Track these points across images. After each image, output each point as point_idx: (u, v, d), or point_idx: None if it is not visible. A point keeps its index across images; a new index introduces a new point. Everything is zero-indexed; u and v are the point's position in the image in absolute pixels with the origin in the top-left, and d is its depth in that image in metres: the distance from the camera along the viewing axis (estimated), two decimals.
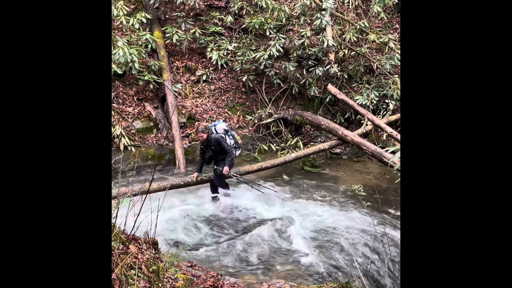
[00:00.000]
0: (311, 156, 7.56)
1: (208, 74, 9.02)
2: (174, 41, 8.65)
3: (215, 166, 6.05)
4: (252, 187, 6.20)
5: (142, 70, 8.25)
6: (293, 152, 7.51)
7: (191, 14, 9.66)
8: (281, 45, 8.32)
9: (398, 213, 5.67)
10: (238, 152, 6.32)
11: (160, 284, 3.02)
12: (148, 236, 3.44)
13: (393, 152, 4.30)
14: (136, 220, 2.95)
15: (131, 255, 2.86)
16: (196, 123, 8.49)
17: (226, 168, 5.87)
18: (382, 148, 7.18)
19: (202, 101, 8.86)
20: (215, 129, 6.06)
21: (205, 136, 5.95)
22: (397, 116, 8.01)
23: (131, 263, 2.81)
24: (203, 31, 9.06)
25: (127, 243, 2.93)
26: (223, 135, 6.02)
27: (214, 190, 6.15)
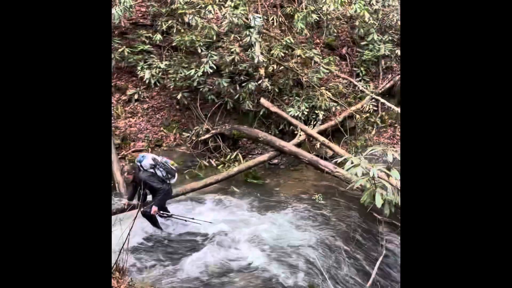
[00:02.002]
0: (252, 168, 7.80)
1: (140, 93, 8.87)
2: None
3: (143, 209, 5.58)
4: (185, 220, 5.86)
5: None
6: (234, 166, 7.70)
7: (116, 32, 9.44)
8: (213, 62, 8.49)
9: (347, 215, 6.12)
10: (174, 180, 5.86)
11: None
12: (117, 265, 3.38)
13: (341, 163, 4.67)
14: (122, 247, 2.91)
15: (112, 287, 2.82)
16: (132, 144, 8.30)
17: (154, 209, 5.52)
18: (317, 156, 7.68)
19: (135, 120, 8.69)
20: (140, 166, 5.61)
21: (131, 177, 5.69)
22: (327, 125, 8.61)
23: None
24: (131, 49, 8.91)
25: None
26: (152, 171, 5.58)
27: (154, 224, 5.85)
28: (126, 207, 5.86)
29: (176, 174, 5.87)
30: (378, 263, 4.01)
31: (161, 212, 5.73)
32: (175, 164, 5.97)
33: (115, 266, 3.31)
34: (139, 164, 5.62)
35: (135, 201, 5.78)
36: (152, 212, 5.55)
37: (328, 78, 9.47)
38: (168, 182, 5.72)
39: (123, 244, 3.02)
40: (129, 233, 2.92)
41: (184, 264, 5.11)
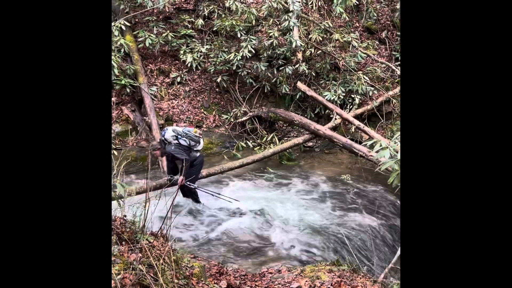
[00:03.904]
0: (287, 150, 8.07)
1: (182, 76, 9.30)
2: (147, 45, 8.86)
3: (186, 183, 5.79)
4: (213, 195, 6.08)
5: (117, 74, 8.41)
6: (270, 147, 8.00)
7: (160, 17, 9.87)
8: (252, 46, 8.73)
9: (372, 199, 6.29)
10: (200, 146, 5.99)
11: (181, 271, 3.41)
12: (161, 232, 3.79)
13: (372, 146, 4.85)
14: (166, 218, 3.29)
15: (156, 248, 3.22)
16: (174, 124, 8.77)
17: (180, 179, 5.67)
18: (352, 140, 7.81)
19: (178, 102, 9.14)
20: (165, 140, 5.79)
21: (158, 152, 5.84)
22: (363, 109, 8.68)
23: (158, 255, 3.17)
24: (175, 34, 9.31)
25: (151, 239, 3.29)
26: (176, 142, 5.75)
27: (190, 196, 6.11)
28: (167, 181, 6.31)
29: (201, 140, 6.01)
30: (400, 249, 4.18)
31: (188, 183, 5.88)
32: (198, 131, 6.05)
33: (159, 232, 3.73)
34: (163, 138, 5.85)
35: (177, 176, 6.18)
36: (178, 182, 5.73)
37: (366, 62, 9.48)
38: (195, 149, 5.89)
39: (167, 212, 3.41)
40: (172, 202, 3.29)
41: (216, 236, 5.50)
